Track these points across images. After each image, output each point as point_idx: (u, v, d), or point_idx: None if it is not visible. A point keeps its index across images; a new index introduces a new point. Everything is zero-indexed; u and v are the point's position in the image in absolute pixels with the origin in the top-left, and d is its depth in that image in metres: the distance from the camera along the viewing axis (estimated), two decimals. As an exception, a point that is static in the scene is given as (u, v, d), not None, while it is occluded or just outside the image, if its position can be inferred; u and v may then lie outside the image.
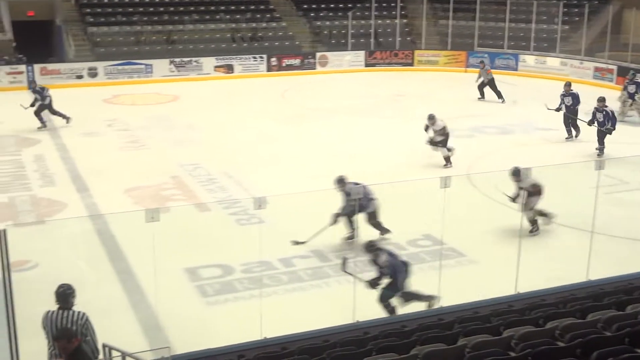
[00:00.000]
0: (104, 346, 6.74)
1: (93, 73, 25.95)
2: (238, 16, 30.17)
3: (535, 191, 11.25)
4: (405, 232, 11.44)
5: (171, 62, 27.06)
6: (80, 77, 25.76)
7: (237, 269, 10.22)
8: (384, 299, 8.61)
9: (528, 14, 29.01)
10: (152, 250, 10.55)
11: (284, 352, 6.72)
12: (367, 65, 29.85)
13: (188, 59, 27.37)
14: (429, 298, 8.70)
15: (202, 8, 29.88)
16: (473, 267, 10.42)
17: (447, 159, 15.27)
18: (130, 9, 28.99)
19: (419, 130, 15.82)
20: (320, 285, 9.83)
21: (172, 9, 29.52)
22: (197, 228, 11.60)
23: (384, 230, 11.12)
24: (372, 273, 8.75)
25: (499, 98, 22.52)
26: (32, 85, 19.52)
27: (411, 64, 30.14)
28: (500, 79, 26.71)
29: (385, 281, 8.64)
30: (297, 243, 10.71)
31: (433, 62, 29.88)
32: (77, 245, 10.89)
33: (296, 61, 28.88)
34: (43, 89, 19.54)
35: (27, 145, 17.37)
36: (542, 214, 11.54)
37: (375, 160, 15.63)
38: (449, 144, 15.38)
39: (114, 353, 6.75)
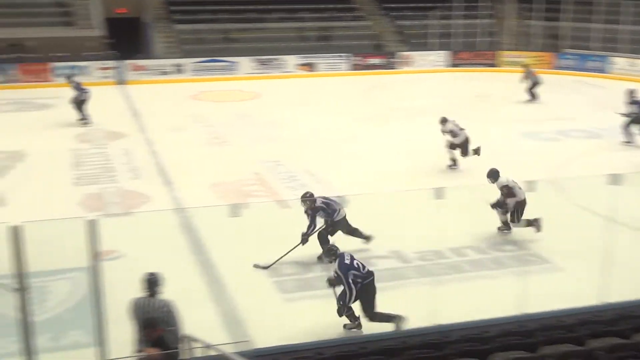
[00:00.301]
0: (185, 337, 6.87)
1: (179, 69, 26.57)
2: (322, 15, 30.30)
3: (508, 193, 11.18)
4: (488, 235, 11.26)
5: (255, 59, 27.43)
6: (167, 73, 26.40)
7: (315, 267, 10.26)
8: (340, 314, 8.40)
9: (619, 15, 28.10)
10: (234, 244, 10.77)
11: (362, 351, 6.70)
12: (450, 65, 29.53)
13: (271, 56, 27.69)
14: (357, 321, 8.50)
15: (287, 6, 30.14)
16: (558, 274, 10.15)
17: (453, 161, 15.02)
18: (217, 7, 29.48)
19: (501, 132, 15.53)
20: (399, 286, 9.77)
21: (257, 7, 29.87)
22: (277, 224, 11.69)
23: (325, 245, 10.30)
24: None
25: (531, 97, 22.27)
26: (71, 80, 19.87)
27: (496, 65, 29.65)
28: (589, 81, 26.01)
29: (340, 288, 8.43)
30: (258, 267, 10.23)
31: (518, 63, 29.27)
32: (161, 237, 11.12)
33: (379, 60, 28.81)
34: (79, 83, 19.85)
35: (115, 138, 17.89)
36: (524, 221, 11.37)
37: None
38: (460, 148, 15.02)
39: (195, 344, 6.87)
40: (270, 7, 29.96)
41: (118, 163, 15.69)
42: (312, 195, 10.65)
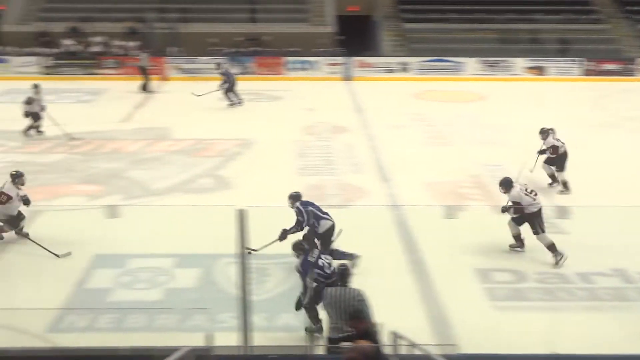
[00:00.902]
0: (393, 334, 6.91)
1: (405, 68, 26.78)
2: (556, 16, 29.09)
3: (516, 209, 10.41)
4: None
5: (481, 61, 26.95)
6: (392, 71, 26.73)
7: (531, 278, 9.89)
8: (299, 306, 8.16)
9: None
10: (447, 246, 10.69)
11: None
12: (699, 74, 27.10)
13: (499, 58, 27.05)
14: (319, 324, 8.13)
15: (520, 7, 29.27)
16: None
17: (552, 177, 13.75)
18: (446, 7, 29.33)
19: None
20: (621, 308, 9.14)
21: (488, 7, 29.32)
22: (491, 230, 11.41)
23: (343, 256, 9.69)
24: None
25: None
26: (220, 68, 21.74)
27: None
28: None
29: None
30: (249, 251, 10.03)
31: None
32: (375, 233, 11.28)
33: (616, 66, 27.10)
34: (229, 71, 21.34)
35: (339, 132, 18.41)
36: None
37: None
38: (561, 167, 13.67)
39: (401, 341, 6.89)
40: (501, 7, 29.29)
41: (340, 156, 16.13)
42: (297, 195, 10.29)
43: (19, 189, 10.89)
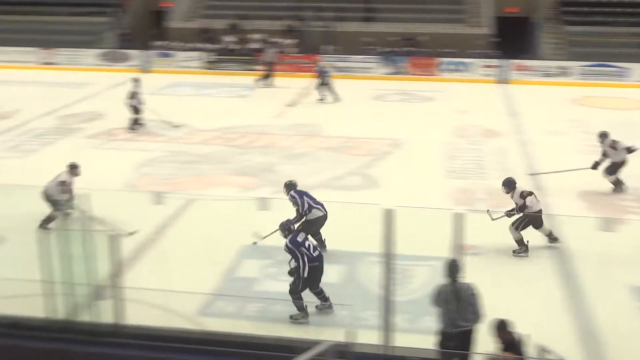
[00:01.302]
0: (539, 347, 6.69)
1: (564, 72, 25.71)
2: None
3: (528, 195, 10.60)
4: None
5: (648, 67, 25.45)
6: (551, 75, 25.74)
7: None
8: (293, 292, 8.60)
9: None
10: (601, 259, 10.20)
11: None
12: None
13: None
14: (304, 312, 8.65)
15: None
16: None
17: (616, 184, 13.22)
18: (611, 9, 27.93)
19: None
20: None
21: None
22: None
23: (321, 244, 10.26)
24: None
25: None
26: (319, 66, 22.56)
27: None
28: None
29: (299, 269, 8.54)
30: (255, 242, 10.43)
31: None
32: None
33: None
34: (325, 69, 22.07)
35: (491, 136, 18.00)
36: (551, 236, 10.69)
37: None
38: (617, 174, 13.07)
39: (548, 355, 6.66)
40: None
41: (490, 161, 15.77)
42: (291, 184, 10.73)
43: (71, 179, 11.37)
